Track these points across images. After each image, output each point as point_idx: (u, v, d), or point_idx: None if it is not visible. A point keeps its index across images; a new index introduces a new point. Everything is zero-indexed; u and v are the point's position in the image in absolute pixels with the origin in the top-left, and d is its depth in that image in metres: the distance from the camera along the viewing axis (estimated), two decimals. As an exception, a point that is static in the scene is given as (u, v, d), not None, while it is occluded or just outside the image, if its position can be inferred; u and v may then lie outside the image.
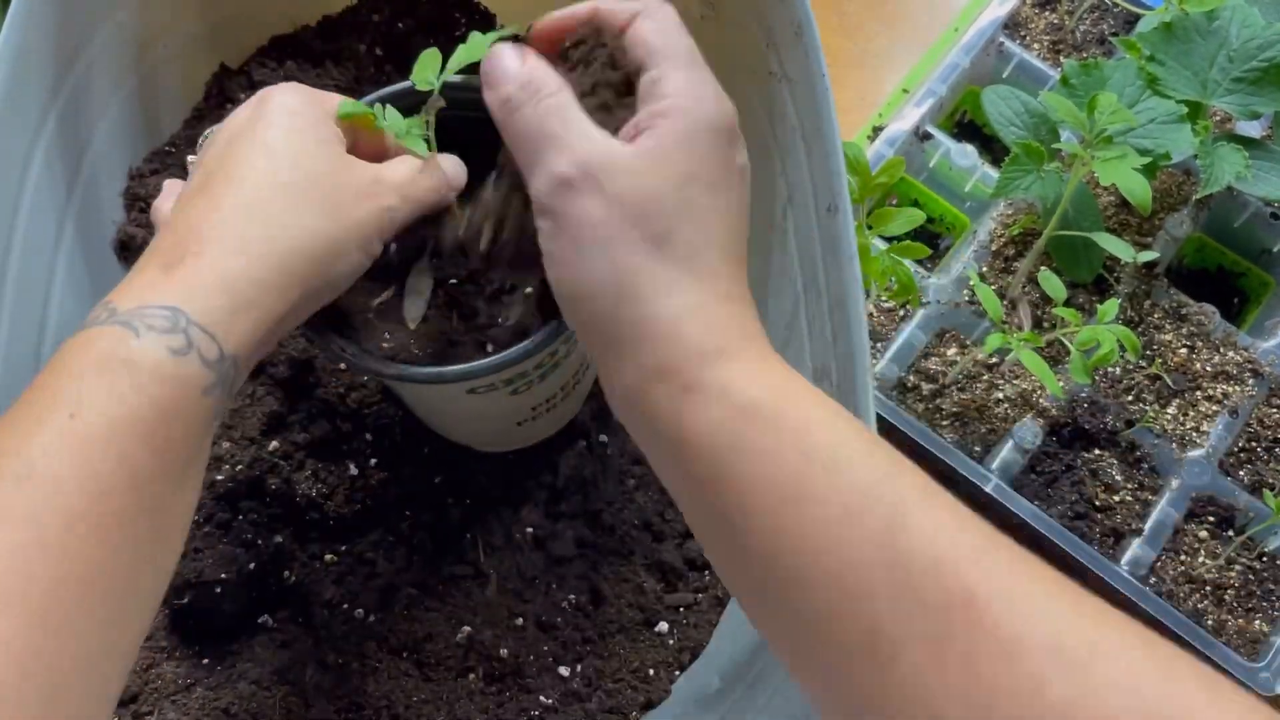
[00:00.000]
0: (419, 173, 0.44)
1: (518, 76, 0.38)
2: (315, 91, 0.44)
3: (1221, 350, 0.73)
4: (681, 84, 0.37)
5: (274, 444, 0.57)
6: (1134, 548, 0.67)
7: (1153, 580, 0.67)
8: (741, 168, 0.39)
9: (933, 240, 0.79)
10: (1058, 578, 0.30)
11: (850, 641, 0.30)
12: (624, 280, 0.35)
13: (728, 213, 0.37)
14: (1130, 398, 0.72)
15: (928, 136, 0.78)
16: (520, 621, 0.56)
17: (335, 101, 0.45)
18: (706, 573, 0.58)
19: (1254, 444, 0.72)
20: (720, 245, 0.37)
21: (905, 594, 0.29)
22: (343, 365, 0.58)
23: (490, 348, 0.48)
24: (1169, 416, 0.71)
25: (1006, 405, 0.71)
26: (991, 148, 0.81)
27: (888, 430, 0.69)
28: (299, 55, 0.67)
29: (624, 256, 0.35)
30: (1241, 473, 0.71)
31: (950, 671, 0.28)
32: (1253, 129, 0.77)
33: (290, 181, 0.40)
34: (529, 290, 0.49)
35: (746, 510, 0.33)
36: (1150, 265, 0.74)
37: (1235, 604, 0.67)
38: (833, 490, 0.31)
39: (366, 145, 0.46)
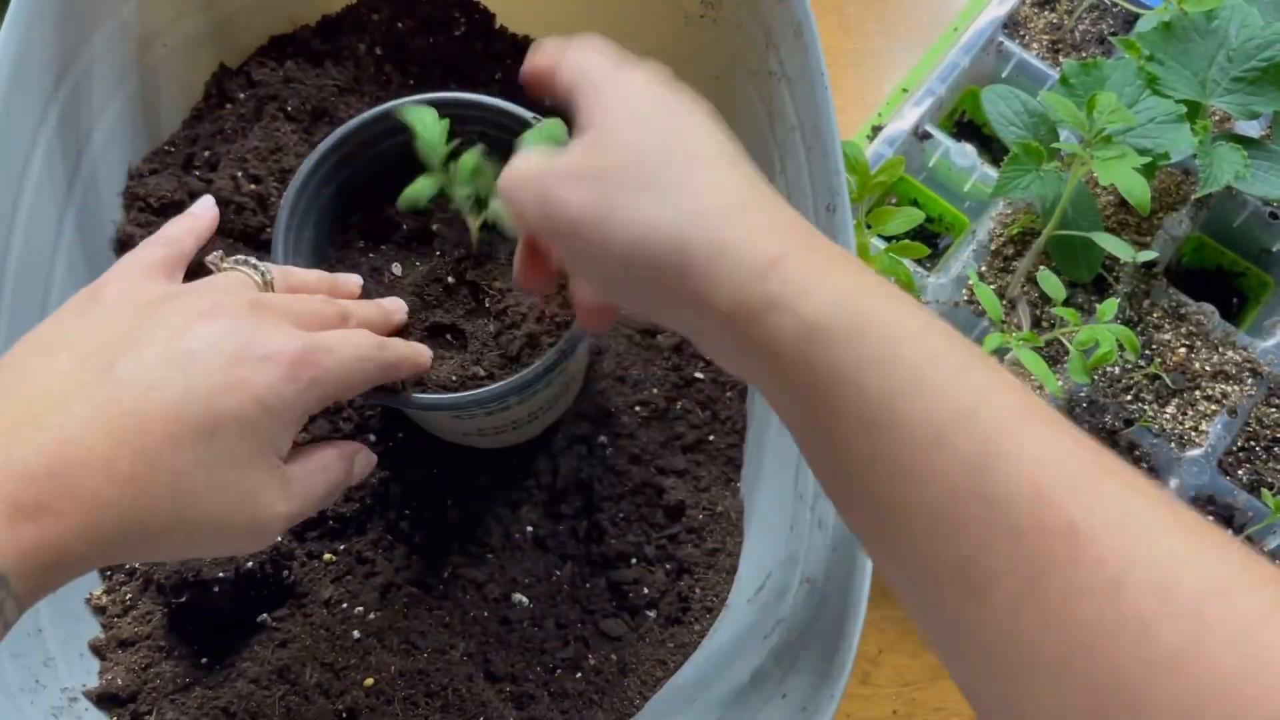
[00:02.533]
0: (330, 481, 0.42)
1: None
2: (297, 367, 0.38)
3: (1220, 350, 0.73)
4: (600, 97, 0.37)
5: (273, 443, 0.58)
6: (1133, 547, 0.67)
7: (1152, 580, 0.67)
8: (693, 101, 0.37)
9: (932, 240, 0.79)
10: (1174, 508, 0.27)
11: (946, 571, 0.28)
12: (638, 236, 0.33)
13: (709, 135, 0.36)
14: (1129, 397, 0.72)
15: (927, 136, 0.78)
16: (520, 621, 0.56)
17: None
18: (709, 571, 0.58)
19: (1253, 443, 0.72)
20: (717, 161, 0.35)
21: (1000, 524, 0.27)
22: None
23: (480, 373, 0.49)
24: (1168, 416, 0.71)
25: (1005, 405, 0.71)
26: (990, 147, 0.81)
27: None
28: (298, 55, 0.67)
29: (631, 222, 0.33)
30: (1240, 472, 0.71)
31: (1048, 606, 0.26)
32: (1252, 129, 0.77)
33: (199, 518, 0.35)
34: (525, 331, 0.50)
35: (836, 436, 0.31)
36: (1149, 265, 0.74)
37: (1234, 603, 0.67)
38: (922, 414, 0.29)
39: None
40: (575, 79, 0.38)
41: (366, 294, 0.50)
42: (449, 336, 0.51)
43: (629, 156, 0.35)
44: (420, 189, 0.48)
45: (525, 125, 0.50)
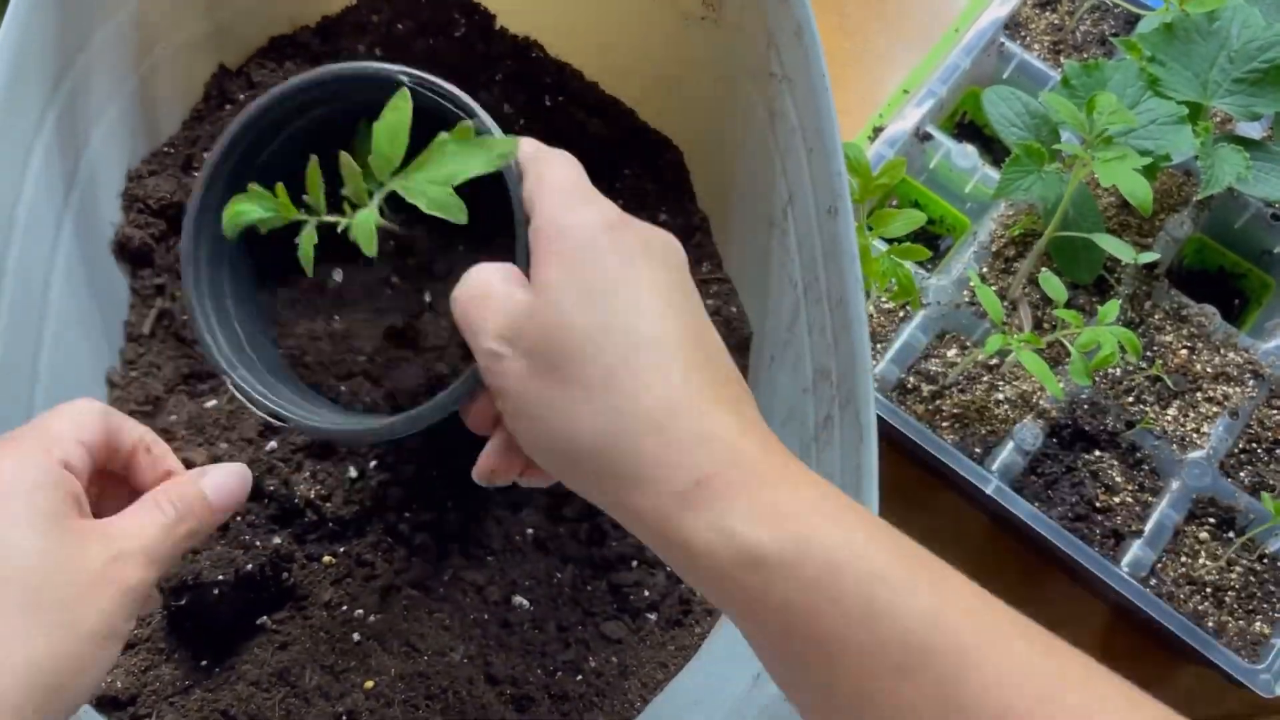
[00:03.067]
0: (172, 520, 0.38)
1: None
2: (34, 437, 0.37)
3: (1222, 351, 0.73)
4: (546, 247, 0.35)
5: (272, 445, 0.57)
6: (1134, 549, 0.67)
7: (1153, 582, 0.67)
8: (645, 248, 0.35)
9: (933, 241, 0.79)
10: (1155, 706, 0.28)
11: None
12: (566, 432, 0.33)
13: (654, 307, 0.34)
14: (1130, 399, 0.71)
15: (928, 137, 0.77)
16: (520, 624, 0.56)
17: (62, 434, 0.37)
18: (706, 574, 0.58)
19: (1254, 445, 0.72)
20: (658, 346, 0.33)
21: None
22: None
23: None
24: (1169, 418, 0.71)
25: (1007, 406, 0.71)
26: (992, 149, 0.81)
27: (888, 433, 0.69)
28: (298, 56, 0.67)
29: (559, 413, 0.33)
30: (1242, 474, 0.71)
31: None
32: (1253, 130, 0.77)
33: (4, 598, 0.32)
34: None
35: (798, 662, 0.31)
36: (1151, 266, 0.74)
37: (1236, 605, 0.67)
38: (879, 646, 0.29)
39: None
40: (529, 208, 0.37)
41: (316, 309, 0.49)
42: (404, 339, 0.49)
43: (562, 341, 0.33)
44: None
45: (460, 105, 0.43)
